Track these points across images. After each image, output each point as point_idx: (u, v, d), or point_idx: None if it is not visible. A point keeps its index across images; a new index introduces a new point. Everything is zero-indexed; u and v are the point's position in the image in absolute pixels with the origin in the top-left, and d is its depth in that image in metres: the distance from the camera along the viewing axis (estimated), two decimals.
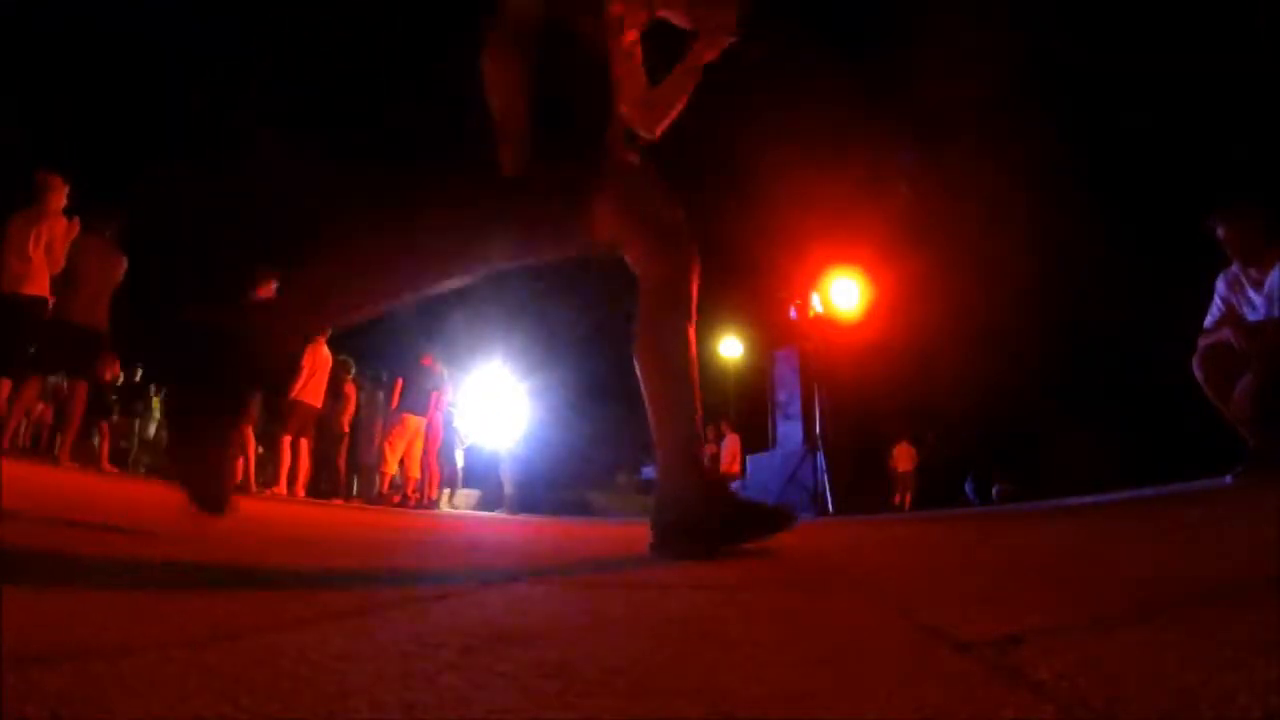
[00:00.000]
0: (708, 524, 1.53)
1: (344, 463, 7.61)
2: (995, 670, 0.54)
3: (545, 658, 0.60)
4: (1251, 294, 3.00)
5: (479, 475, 12.25)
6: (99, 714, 0.41)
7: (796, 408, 8.48)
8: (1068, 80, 9.78)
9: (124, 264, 4.78)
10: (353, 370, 7.57)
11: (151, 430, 9.65)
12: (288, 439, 5.92)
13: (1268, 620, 0.65)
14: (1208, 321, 3.26)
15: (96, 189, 5.44)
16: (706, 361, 13.44)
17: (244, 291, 5.38)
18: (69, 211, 4.39)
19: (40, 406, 6.94)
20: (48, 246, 4.21)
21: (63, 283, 4.39)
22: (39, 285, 4.20)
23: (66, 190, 4.37)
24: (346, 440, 7.56)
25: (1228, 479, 3.10)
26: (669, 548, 1.55)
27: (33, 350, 4.26)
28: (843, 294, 7.77)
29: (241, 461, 5.40)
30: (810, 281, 7.95)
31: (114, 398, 7.51)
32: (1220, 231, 3.04)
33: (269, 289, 5.46)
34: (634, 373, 1.73)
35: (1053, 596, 0.91)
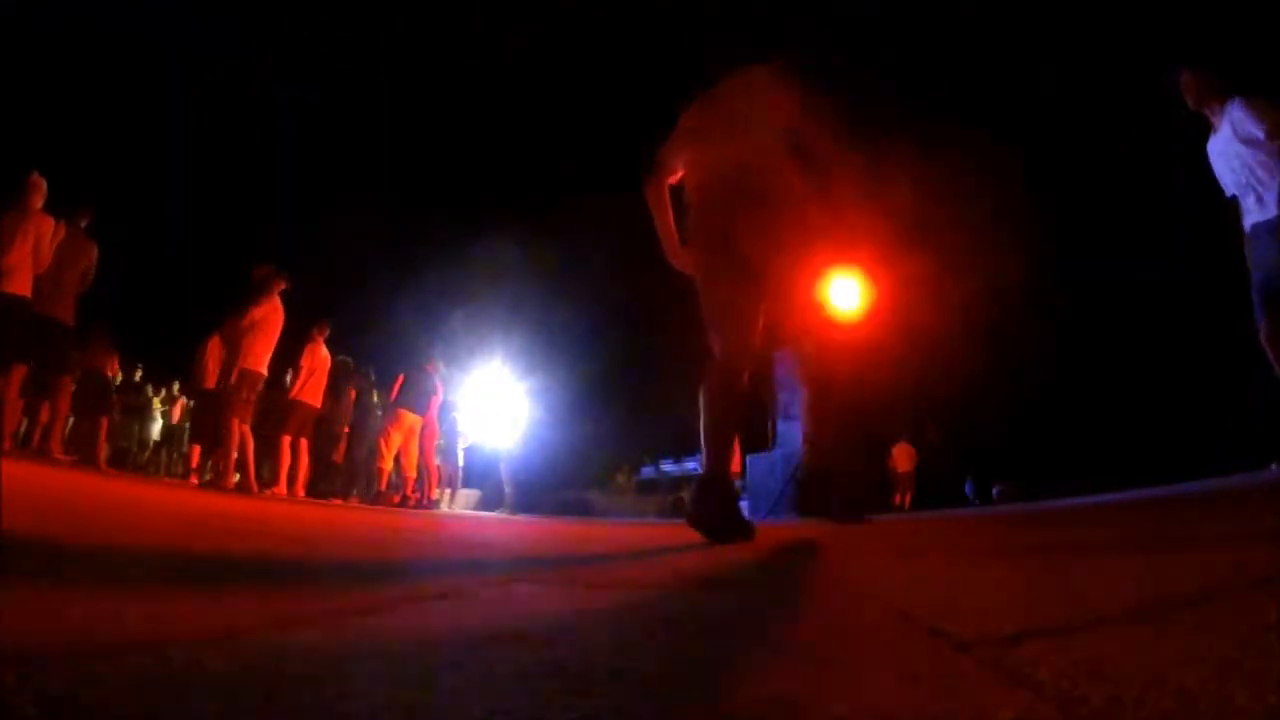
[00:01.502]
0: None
1: (343, 462, 7.61)
2: (995, 670, 0.54)
3: (545, 658, 0.60)
4: (1213, 138, 3.39)
5: (479, 475, 12.25)
6: (99, 714, 0.41)
7: (796, 408, 8.47)
8: (1066, 80, 9.78)
9: (94, 253, 4.78)
10: (353, 370, 7.56)
11: (153, 430, 9.63)
12: (287, 439, 5.91)
13: (1268, 620, 0.65)
14: (1228, 189, 3.42)
15: (89, 187, 5.45)
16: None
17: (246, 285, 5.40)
18: (54, 210, 4.41)
19: (44, 405, 6.92)
20: (34, 246, 4.22)
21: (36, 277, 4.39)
22: (20, 284, 4.21)
23: (44, 190, 4.39)
24: (345, 440, 7.55)
25: (1273, 468, 3.20)
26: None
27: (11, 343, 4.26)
28: (843, 294, 7.75)
29: (238, 461, 5.39)
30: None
31: (114, 394, 7.50)
32: (1182, 80, 3.44)
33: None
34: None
35: (1053, 596, 0.91)
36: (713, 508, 2.10)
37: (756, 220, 2.25)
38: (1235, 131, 3.24)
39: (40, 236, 4.26)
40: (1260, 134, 3.11)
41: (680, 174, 2.49)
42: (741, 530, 2.13)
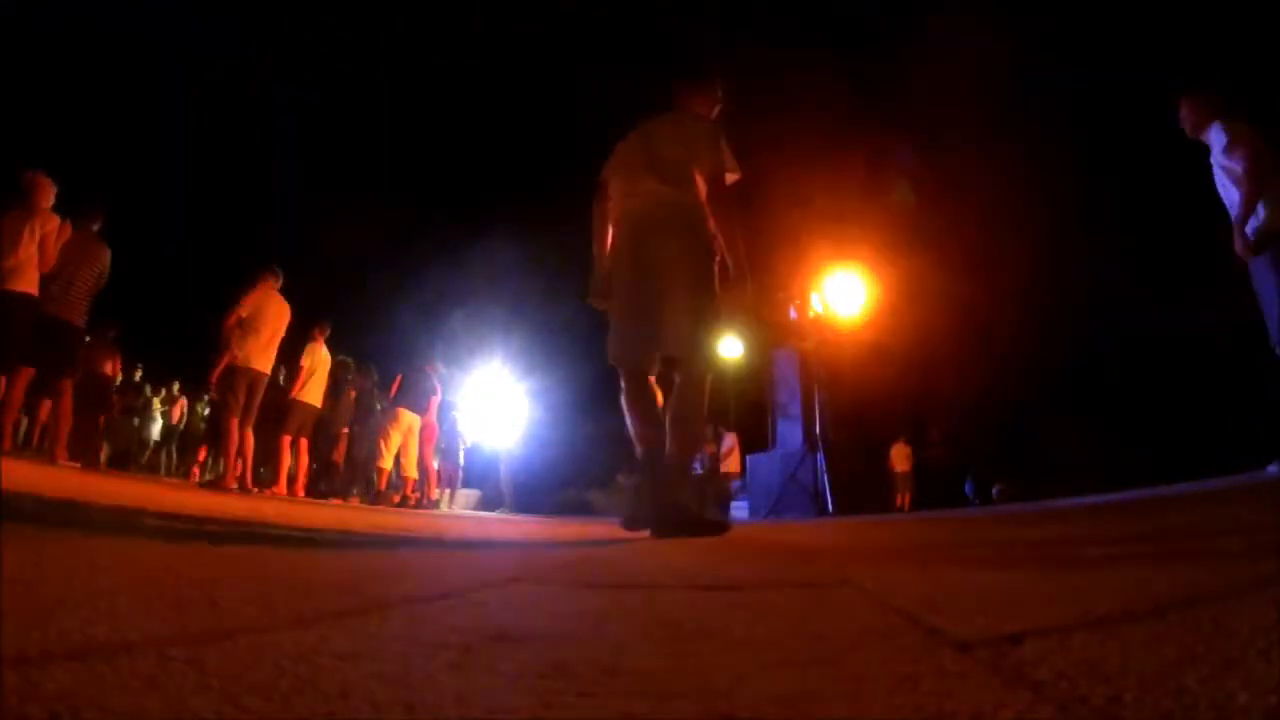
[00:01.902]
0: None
1: (343, 462, 7.61)
2: (995, 670, 0.54)
3: (545, 658, 0.60)
4: (1212, 160, 3.49)
5: (479, 475, 12.25)
6: (99, 714, 0.41)
7: (796, 408, 8.47)
8: (1067, 81, 9.78)
9: (107, 257, 4.78)
10: (352, 370, 7.57)
11: (153, 430, 9.63)
12: (287, 439, 5.91)
13: (1268, 620, 0.65)
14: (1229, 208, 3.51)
15: (89, 187, 5.45)
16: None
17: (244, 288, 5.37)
18: (59, 210, 4.41)
19: (48, 406, 6.92)
20: (40, 245, 4.22)
21: (46, 277, 4.39)
22: (28, 282, 4.21)
23: (54, 189, 4.39)
24: (345, 440, 7.56)
25: (1273, 468, 3.20)
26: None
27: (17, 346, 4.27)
28: (843, 294, 7.75)
29: (239, 462, 5.39)
30: (810, 281, 7.95)
31: (115, 394, 7.51)
32: (1180, 112, 3.59)
33: (275, 284, 5.47)
34: None
35: (1053, 596, 0.91)
36: (683, 510, 2.33)
37: (665, 248, 2.48)
38: (1215, 154, 3.36)
39: (45, 235, 4.26)
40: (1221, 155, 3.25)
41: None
42: (697, 524, 2.32)
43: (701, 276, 2.49)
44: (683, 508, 2.35)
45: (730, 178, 2.58)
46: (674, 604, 1.03)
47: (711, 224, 2.53)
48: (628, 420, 2.50)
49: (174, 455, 10.15)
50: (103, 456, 6.71)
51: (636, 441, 2.46)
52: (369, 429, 7.67)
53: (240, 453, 5.29)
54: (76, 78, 13.63)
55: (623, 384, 2.53)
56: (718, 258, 2.54)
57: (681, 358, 2.48)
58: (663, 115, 2.74)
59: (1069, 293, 9.66)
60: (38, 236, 4.22)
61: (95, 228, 4.79)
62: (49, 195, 4.38)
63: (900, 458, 10.66)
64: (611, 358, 2.58)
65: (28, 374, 4.37)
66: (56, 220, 4.34)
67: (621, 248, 2.60)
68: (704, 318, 2.48)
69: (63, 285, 4.50)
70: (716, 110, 2.80)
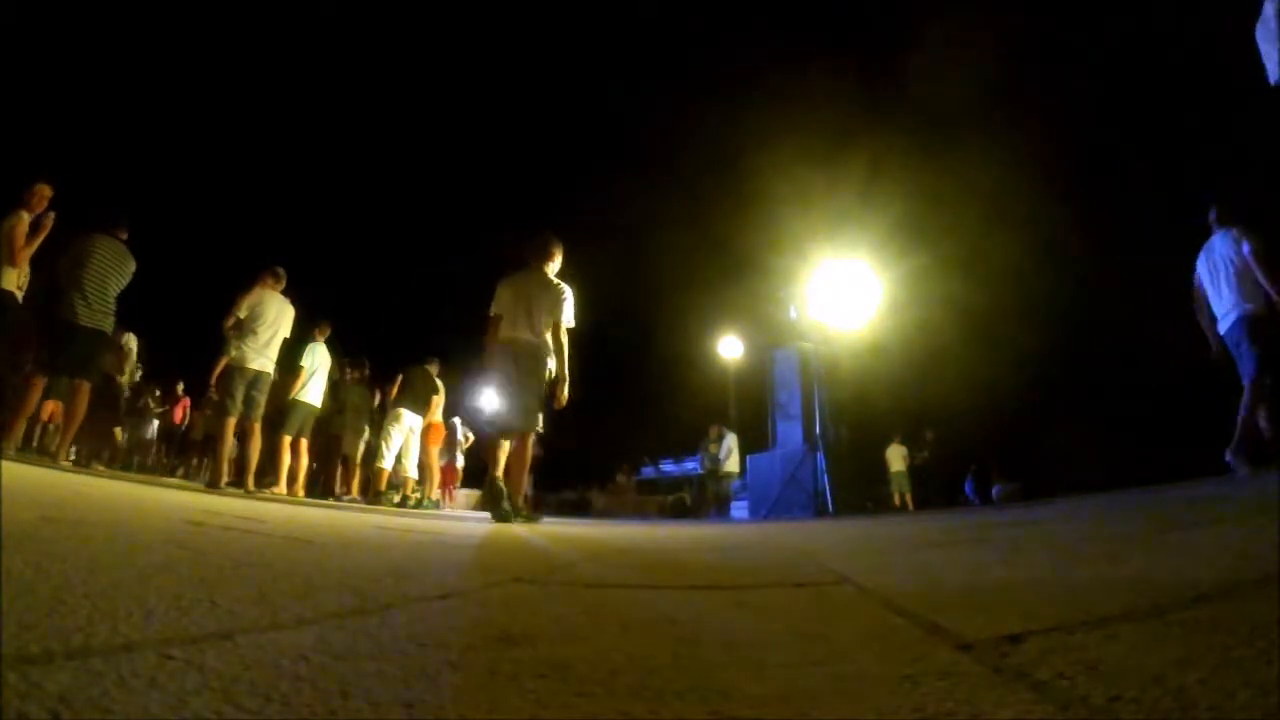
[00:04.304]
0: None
1: (342, 462, 7.59)
2: (995, 670, 0.54)
3: (545, 658, 0.60)
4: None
5: (479, 475, 12.26)
6: (99, 714, 0.41)
7: (796, 408, 8.46)
8: (1069, 79, 9.78)
9: (133, 267, 4.80)
10: (351, 369, 7.56)
11: (149, 431, 9.62)
12: (287, 439, 5.91)
13: (1267, 620, 0.65)
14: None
15: (104, 191, 5.47)
16: (706, 361, 13.45)
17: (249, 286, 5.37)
18: (67, 210, 4.48)
19: (51, 407, 6.93)
20: (6, 241, 4.30)
21: (70, 283, 4.43)
22: (5, 280, 4.33)
23: (45, 193, 4.46)
24: (345, 440, 7.54)
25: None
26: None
27: (39, 352, 4.35)
28: (843, 294, 7.75)
29: (235, 461, 5.39)
30: (810, 281, 7.95)
31: (125, 398, 7.52)
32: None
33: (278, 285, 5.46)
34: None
35: (1053, 596, 0.91)
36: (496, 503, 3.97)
37: (526, 370, 4.13)
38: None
39: (7, 231, 4.33)
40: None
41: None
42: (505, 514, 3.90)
43: (538, 387, 4.15)
44: (515, 506, 3.99)
45: (570, 325, 4.20)
46: (674, 604, 1.03)
47: (551, 351, 4.17)
48: (490, 456, 4.18)
49: (171, 456, 10.15)
50: (105, 457, 6.70)
51: (491, 467, 4.13)
52: (368, 429, 7.65)
53: (244, 453, 5.31)
54: (76, 79, 13.65)
55: (498, 439, 4.20)
56: (550, 371, 4.20)
57: (523, 429, 4.14)
58: (531, 272, 4.25)
59: (1070, 292, 9.66)
60: (12, 240, 4.32)
61: (124, 237, 4.81)
62: (35, 199, 4.44)
63: (895, 457, 10.68)
64: (496, 426, 4.30)
65: (40, 383, 4.40)
66: (22, 216, 4.38)
67: (503, 365, 4.17)
68: (536, 408, 4.14)
69: (97, 293, 4.54)
70: (559, 260, 4.37)
